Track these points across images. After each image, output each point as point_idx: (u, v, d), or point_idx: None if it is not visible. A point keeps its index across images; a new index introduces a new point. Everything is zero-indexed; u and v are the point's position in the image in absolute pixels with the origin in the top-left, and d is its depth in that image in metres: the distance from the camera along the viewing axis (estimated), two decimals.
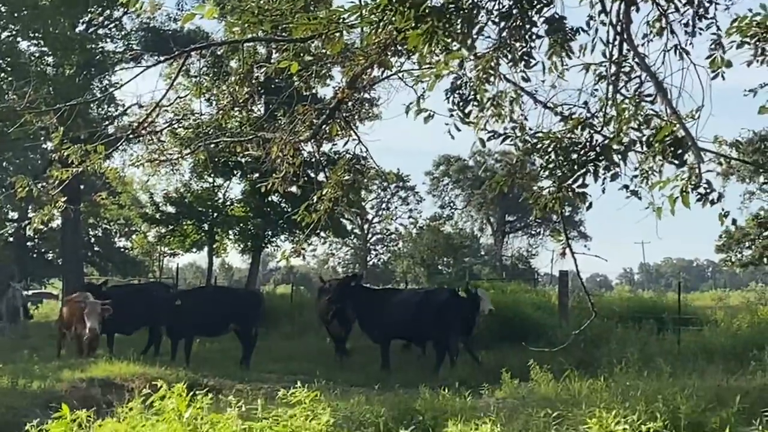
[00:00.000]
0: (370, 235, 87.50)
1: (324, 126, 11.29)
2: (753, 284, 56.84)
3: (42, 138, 40.64)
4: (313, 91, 33.90)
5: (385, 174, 18.63)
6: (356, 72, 10.59)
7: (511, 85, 9.26)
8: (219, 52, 26.23)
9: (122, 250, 59.56)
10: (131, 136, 13.77)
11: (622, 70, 8.92)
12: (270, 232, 44.26)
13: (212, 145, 13.82)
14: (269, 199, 43.07)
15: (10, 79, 34.33)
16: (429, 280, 59.45)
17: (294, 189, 12.98)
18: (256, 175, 41.69)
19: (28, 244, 61.08)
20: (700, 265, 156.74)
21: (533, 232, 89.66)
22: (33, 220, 13.69)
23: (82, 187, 38.21)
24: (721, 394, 10.87)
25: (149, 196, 44.72)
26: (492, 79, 8.77)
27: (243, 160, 40.70)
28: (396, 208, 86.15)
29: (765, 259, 55.12)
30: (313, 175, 15.67)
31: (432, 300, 23.93)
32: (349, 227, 57.64)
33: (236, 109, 42.33)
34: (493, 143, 9.66)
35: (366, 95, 11.32)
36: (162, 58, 17.35)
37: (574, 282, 28.85)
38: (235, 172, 42.60)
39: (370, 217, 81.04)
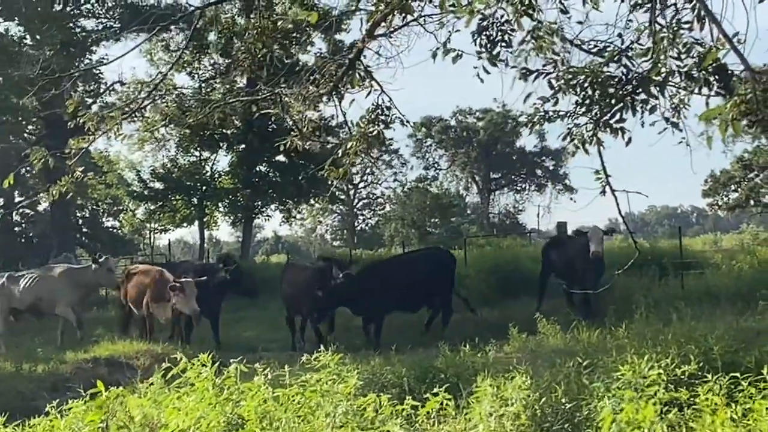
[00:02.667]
0: (356, 200, 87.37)
1: (344, 78, 11.05)
2: (744, 226, 56.85)
3: (23, 122, 40.44)
4: (295, 58, 33.87)
5: (411, 123, 18.33)
6: (376, 19, 10.34)
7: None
8: (198, 25, 25.92)
9: (111, 229, 59.27)
10: (135, 110, 13.43)
11: None
12: (260, 203, 44.16)
13: (220, 109, 13.46)
14: (257, 169, 43.00)
15: None
16: (420, 242, 59.29)
17: (310, 147, 12.68)
18: (243, 146, 41.62)
19: (15, 228, 60.75)
20: (685, 212, 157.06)
21: (519, 188, 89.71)
22: (51, 192, 13.45)
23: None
24: (743, 335, 10.82)
25: (136, 174, 44.45)
26: (531, 11, 8.53)
27: (229, 132, 40.55)
28: (381, 171, 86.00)
29: (751, 201, 55.23)
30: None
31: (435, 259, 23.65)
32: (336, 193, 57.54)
33: (218, 79, 42.33)
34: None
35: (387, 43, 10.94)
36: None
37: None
38: (221, 144, 42.39)
39: (356, 182, 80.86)
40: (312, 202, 47.91)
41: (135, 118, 15.33)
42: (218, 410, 7.58)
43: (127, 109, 13.39)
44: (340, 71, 11.11)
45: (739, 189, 55.36)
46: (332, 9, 13.88)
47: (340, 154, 11.69)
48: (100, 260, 23.00)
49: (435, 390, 8.21)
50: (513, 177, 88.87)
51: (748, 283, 20.16)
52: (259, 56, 12.00)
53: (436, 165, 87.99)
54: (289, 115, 12.47)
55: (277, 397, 7.98)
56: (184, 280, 20.47)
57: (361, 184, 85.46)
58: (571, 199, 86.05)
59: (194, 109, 15.95)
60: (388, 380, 10.31)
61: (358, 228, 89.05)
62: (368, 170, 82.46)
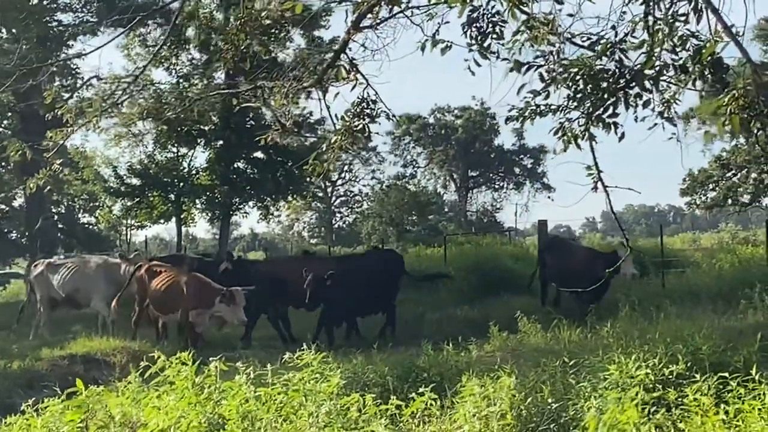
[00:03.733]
0: (333, 198, 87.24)
1: (329, 70, 10.90)
2: (723, 225, 57.22)
3: None
4: (273, 54, 33.68)
5: (396, 117, 18.04)
6: (362, 10, 10.19)
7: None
8: (177, 21, 25.72)
9: (86, 225, 58.87)
10: (114, 103, 13.27)
11: None
12: (237, 199, 43.95)
13: (201, 102, 13.29)
14: (235, 165, 42.77)
15: None
16: (399, 239, 59.23)
17: (290, 142, 12.52)
18: (220, 142, 41.38)
19: None
20: (662, 211, 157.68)
21: (497, 186, 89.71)
22: (28, 185, 13.27)
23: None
24: (727, 334, 10.76)
25: (113, 169, 44.06)
26: (524, 3, 8.40)
27: (206, 128, 40.31)
28: (358, 169, 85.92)
29: (729, 200, 55.44)
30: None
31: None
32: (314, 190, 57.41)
33: (196, 75, 42.07)
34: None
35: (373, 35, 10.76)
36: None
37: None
38: (199, 140, 42.12)
39: (334, 179, 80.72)
40: (290, 198, 47.51)
41: (113, 113, 15.18)
42: (199, 410, 7.44)
43: (105, 102, 13.24)
44: (325, 64, 11.00)
45: (717, 188, 55.54)
46: (312, 5, 13.68)
47: (324, 148, 11.57)
48: (129, 257, 22.01)
49: (419, 390, 8.12)
50: (491, 175, 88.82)
51: (729, 282, 20.18)
52: (242, 48, 11.82)
53: (414, 163, 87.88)
54: (271, 109, 12.31)
55: (258, 396, 7.86)
56: (233, 288, 18.83)
57: (339, 182, 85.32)
58: (549, 197, 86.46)
59: (173, 103, 15.79)
60: (371, 379, 10.20)
61: (336, 225, 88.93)
62: (346, 167, 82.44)
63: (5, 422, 8.73)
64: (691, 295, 20.00)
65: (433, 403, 8.05)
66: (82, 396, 6.68)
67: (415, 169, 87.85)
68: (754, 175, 51.83)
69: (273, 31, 24.89)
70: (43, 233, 28.38)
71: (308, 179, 45.92)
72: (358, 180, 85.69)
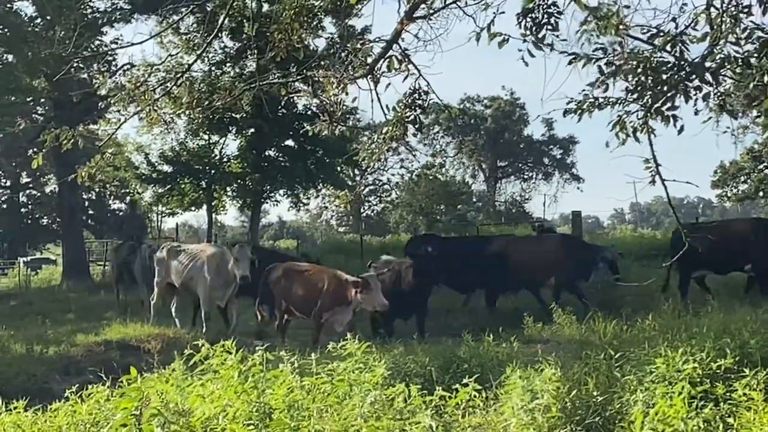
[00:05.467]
0: (362, 187, 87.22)
1: (381, 60, 10.85)
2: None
3: (32, 102, 40.24)
4: (305, 42, 33.64)
5: (449, 108, 17.72)
6: (416, 1, 10.14)
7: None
8: (209, 7, 25.70)
9: (117, 212, 59.27)
10: (165, 93, 13.24)
11: None
12: (268, 187, 44.03)
13: (254, 90, 13.17)
14: (266, 153, 42.85)
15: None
16: (428, 229, 59.22)
17: (338, 131, 12.38)
18: (252, 130, 41.44)
19: (22, 210, 60.81)
20: (691, 203, 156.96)
21: (525, 177, 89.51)
22: (80, 173, 13.29)
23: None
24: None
25: (144, 156, 44.27)
26: None
27: (238, 116, 40.36)
28: (387, 159, 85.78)
29: (761, 193, 55.15)
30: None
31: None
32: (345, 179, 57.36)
33: (228, 63, 42.13)
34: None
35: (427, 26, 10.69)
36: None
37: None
38: (231, 128, 42.23)
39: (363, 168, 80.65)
40: (320, 186, 47.51)
41: (166, 101, 15.14)
42: (244, 398, 7.42)
43: (154, 91, 13.22)
44: (376, 54, 10.96)
45: (748, 180, 55.28)
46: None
47: (374, 139, 11.52)
48: (233, 248, 20.06)
49: (462, 381, 8.08)
50: (520, 165, 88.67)
51: None
52: (295, 37, 11.78)
53: (443, 152, 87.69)
54: (321, 99, 12.27)
55: (304, 385, 7.84)
56: (366, 275, 17.78)
57: (368, 170, 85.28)
58: (578, 188, 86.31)
59: (220, 91, 15.74)
60: (412, 370, 10.15)
61: (364, 214, 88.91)
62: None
63: (51, 409, 8.74)
64: (727, 287, 19.84)
65: (477, 394, 8.02)
66: (138, 384, 6.68)
67: (444, 158, 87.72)
68: None
69: (305, 19, 24.83)
70: (131, 220, 27.84)
71: (339, 168, 45.97)
72: (386, 169, 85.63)
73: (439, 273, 19.77)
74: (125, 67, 32.47)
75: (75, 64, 16.94)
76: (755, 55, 7.69)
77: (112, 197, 62.05)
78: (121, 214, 57.15)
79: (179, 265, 21.39)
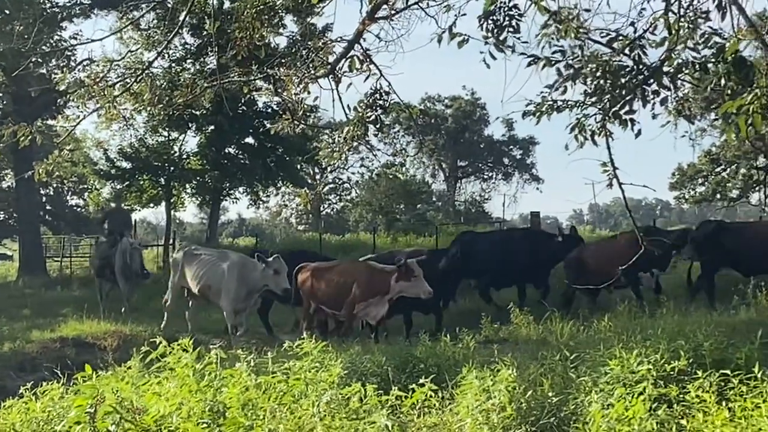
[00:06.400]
0: (322, 185, 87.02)
1: (343, 60, 10.85)
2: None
3: None
4: (267, 40, 33.52)
5: (410, 109, 17.61)
6: (378, 1, 10.15)
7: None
8: (169, 4, 25.57)
9: (75, 208, 58.79)
10: (127, 89, 13.15)
11: None
12: (228, 185, 43.93)
13: (214, 88, 13.12)
14: (226, 151, 42.73)
15: None
16: (388, 228, 59.19)
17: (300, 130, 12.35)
18: (212, 127, 41.28)
19: None
20: (649, 204, 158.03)
21: (485, 176, 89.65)
22: (37, 170, 13.18)
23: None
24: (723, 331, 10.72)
25: (103, 152, 43.95)
26: None
27: (198, 112, 40.18)
28: (347, 157, 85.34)
29: (717, 195, 55.58)
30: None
31: None
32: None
33: (189, 60, 41.89)
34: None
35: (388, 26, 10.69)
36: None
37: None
38: (190, 125, 42.04)
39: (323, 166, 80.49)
40: (279, 184, 47.43)
41: (126, 97, 14.98)
42: (199, 397, 7.39)
43: (116, 87, 13.17)
44: (338, 54, 10.98)
45: (706, 183, 55.69)
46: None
47: (335, 138, 11.54)
48: (267, 259, 18.86)
49: (418, 381, 8.11)
50: (480, 165, 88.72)
51: (721, 278, 20.09)
52: (257, 35, 11.76)
53: (404, 151, 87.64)
54: (283, 97, 12.26)
55: (259, 384, 7.83)
56: (408, 261, 17.25)
57: (328, 169, 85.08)
58: (538, 189, 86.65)
59: (181, 88, 15.67)
60: (369, 369, 10.16)
61: (324, 213, 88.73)
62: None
63: (5, 406, 8.66)
64: (684, 290, 20.01)
65: (433, 394, 8.05)
66: (92, 381, 6.64)
67: (405, 157, 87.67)
68: (743, 170, 51.96)
69: (265, 16, 24.76)
70: (113, 217, 27.42)
71: (299, 166, 45.90)
72: (347, 168, 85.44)
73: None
74: (84, 63, 32.16)
75: (34, 59, 16.81)
76: (713, 60, 7.77)
77: (70, 193, 61.53)
78: (104, 209, 56.74)
79: (197, 270, 20.44)
